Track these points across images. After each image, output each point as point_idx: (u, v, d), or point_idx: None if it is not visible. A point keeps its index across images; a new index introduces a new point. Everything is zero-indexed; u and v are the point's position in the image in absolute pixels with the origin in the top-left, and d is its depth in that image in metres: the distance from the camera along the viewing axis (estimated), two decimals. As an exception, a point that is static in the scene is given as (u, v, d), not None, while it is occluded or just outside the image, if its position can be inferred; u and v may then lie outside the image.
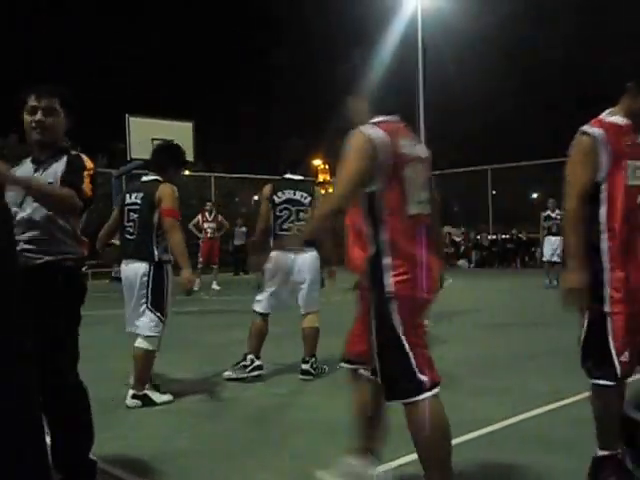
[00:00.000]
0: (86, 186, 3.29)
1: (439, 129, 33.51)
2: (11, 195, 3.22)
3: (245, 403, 3.99)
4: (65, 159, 3.32)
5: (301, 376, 5.94)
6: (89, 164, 3.37)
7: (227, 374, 5.90)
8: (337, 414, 4.67)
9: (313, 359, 6.04)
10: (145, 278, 4.99)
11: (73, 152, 3.41)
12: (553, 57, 44.03)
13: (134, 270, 5.04)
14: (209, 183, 25.77)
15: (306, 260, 5.96)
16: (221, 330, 9.15)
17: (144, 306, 5.04)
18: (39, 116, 3.28)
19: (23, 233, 3.25)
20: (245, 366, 5.92)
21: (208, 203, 16.68)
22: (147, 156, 15.01)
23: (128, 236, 5.19)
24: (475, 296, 13.98)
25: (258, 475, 3.64)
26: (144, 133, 18.31)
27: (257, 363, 5.95)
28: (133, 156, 16.33)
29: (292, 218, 5.91)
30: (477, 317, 9.92)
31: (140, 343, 5.06)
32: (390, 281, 2.82)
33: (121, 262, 5.19)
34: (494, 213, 24.78)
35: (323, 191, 5.89)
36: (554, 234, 14.67)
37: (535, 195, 34.15)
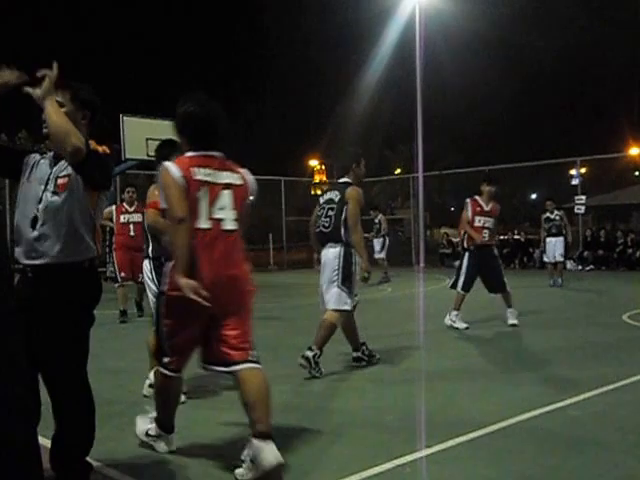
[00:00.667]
0: (98, 147, 3.31)
1: (437, 130, 33.47)
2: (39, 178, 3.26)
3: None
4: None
5: (300, 360, 6.08)
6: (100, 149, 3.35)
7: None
8: (336, 417, 4.73)
9: (318, 352, 6.13)
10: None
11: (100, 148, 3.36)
12: (552, 58, 44.01)
13: (333, 253, 6.14)
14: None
15: (327, 258, 6.30)
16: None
17: (335, 283, 6.09)
18: None
19: (43, 225, 3.18)
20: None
21: None
22: (142, 156, 14.80)
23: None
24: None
25: None
26: (139, 133, 18.27)
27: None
28: (127, 156, 16.22)
29: (323, 215, 6.37)
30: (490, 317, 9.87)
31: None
32: (165, 280, 3.64)
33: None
34: (492, 214, 24.64)
35: (354, 192, 6.25)
36: (554, 235, 14.73)
37: (534, 196, 34.10)
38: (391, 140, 41.01)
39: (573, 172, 24.75)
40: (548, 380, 5.73)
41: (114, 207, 10.70)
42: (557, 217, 14.73)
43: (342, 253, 6.16)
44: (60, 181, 3.23)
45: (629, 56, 38.48)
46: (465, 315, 8.89)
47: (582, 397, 5.06)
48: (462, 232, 8.99)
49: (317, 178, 45.68)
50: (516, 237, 23.88)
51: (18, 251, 3.24)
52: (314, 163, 52.55)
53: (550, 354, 6.97)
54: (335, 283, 6.19)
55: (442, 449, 3.94)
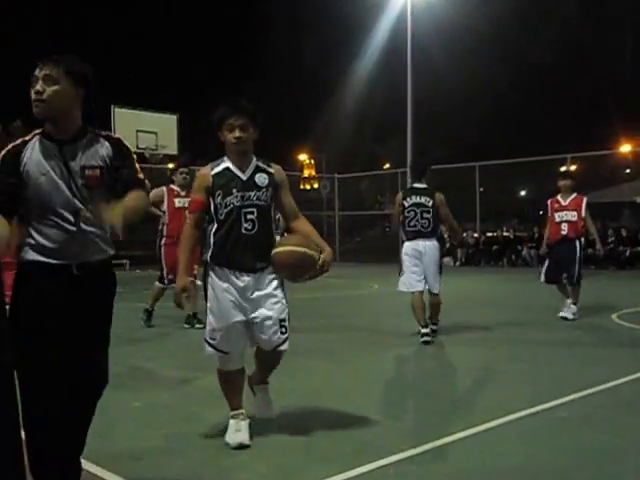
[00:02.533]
0: (143, 176, 3.17)
1: (427, 125, 33.38)
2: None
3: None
4: (107, 143, 3.06)
5: (426, 338, 7.39)
6: (130, 147, 3.19)
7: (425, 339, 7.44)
8: (321, 415, 4.66)
9: (434, 326, 7.90)
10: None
11: (103, 133, 3.12)
12: (544, 54, 43.99)
13: (435, 247, 7.71)
14: (193, 177, 25.46)
15: (430, 250, 7.71)
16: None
17: (439, 270, 7.82)
18: (38, 86, 2.90)
19: (83, 219, 2.97)
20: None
21: None
22: (132, 148, 14.53)
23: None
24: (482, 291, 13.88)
25: (238, 475, 3.57)
26: (129, 124, 18.15)
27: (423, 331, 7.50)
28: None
29: (419, 217, 7.69)
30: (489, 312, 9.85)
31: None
32: None
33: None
34: (481, 210, 24.65)
35: (442, 197, 7.81)
36: None
37: (523, 193, 34.11)
38: (380, 135, 40.90)
39: (563, 169, 24.75)
40: (535, 381, 5.68)
41: (164, 189, 8.99)
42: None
43: (439, 246, 7.75)
44: (89, 172, 2.99)
45: (622, 52, 38.52)
46: (449, 315, 8.78)
47: (570, 398, 4.99)
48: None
49: (306, 172, 45.56)
50: (505, 234, 23.84)
51: (50, 249, 2.96)
52: (303, 157, 52.39)
53: (537, 354, 6.94)
54: (439, 270, 7.86)
55: (427, 449, 3.89)
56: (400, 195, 7.98)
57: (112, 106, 17.03)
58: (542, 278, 9.68)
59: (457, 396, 5.31)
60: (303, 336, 7.82)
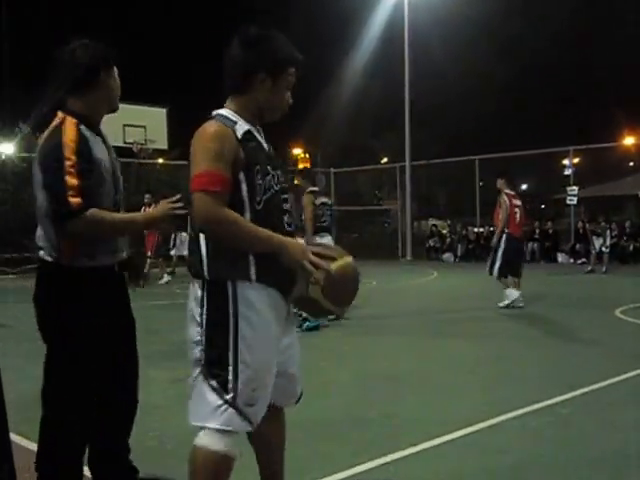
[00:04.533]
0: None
1: (426, 118, 32.85)
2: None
3: None
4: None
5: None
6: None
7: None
8: (327, 414, 4.68)
9: None
10: None
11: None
12: (544, 45, 43.54)
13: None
14: (184, 172, 24.99)
15: None
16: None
17: None
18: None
19: None
20: None
21: (147, 195, 14.88)
22: (119, 142, 14.25)
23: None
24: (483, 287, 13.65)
25: (237, 475, 3.25)
26: (116, 119, 17.59)
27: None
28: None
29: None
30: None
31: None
32: None
33: None
34: (481, 205, 24.19)
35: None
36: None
37: (524, 187, 33.61)
38: (377, 128, 40.39)
39: (566, 162, 24.36)
40: (537, 377, 5.70)
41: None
42: None
43: None
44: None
45: (625, 44, 38.04)
46: (451, 309, 8.60)
47: (572, 395, 5.00)
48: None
49: (301, 166, 45.05)
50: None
51: (107, 249, 2.95)
52: (298, 151, 51.89)
53: (540, 350, 6.94)
54: None
55: (428, 447, 3.90)
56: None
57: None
58: (496, 273, 10.12)
59: (458, 393, 5.26)
60: (298, 335, 7.60)
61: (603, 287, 13.59)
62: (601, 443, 3.96)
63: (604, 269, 16.34)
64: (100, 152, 2.90)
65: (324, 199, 9.11)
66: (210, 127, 2.56)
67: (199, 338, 2.55)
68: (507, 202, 10.26)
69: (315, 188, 9.00)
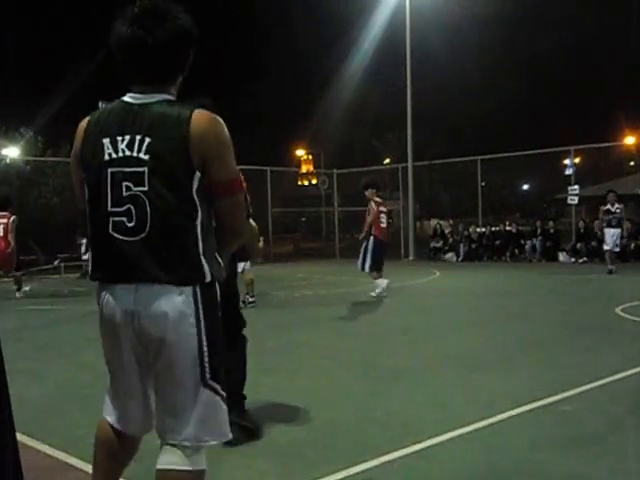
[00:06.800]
0: None
1: (428, 118, 32.93)
2: None
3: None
4: None
5: None
6: None
7: None
8: (331, 412, 4.72)
9: None
10: None
11: None
12: (546, 45, 43.56)
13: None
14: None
15: None
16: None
17: None
18: None
19: None
20: None
21: None
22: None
23: None
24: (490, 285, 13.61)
25: (240, 473, 3.57)
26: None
27: None
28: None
29: None
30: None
31: None
32: None
33: None
34: (483, 205, 24.27)
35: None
36: (614, 226, 15.73)
37: (525, 186, 33.63)
38: (379, 129, 40.45)
39: (567, 162, 24.39)
40: (540, 374, 5.71)
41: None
42: (618, 210, 15.74)
43: None
44: None
45: (626, 43, 38.08)
46: (454, 309, 8.61)
47: (574, 392, 5.03)
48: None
49: (304, 168, 45.19)
50: (508, 228, 23.44)
51: None
52: (301, 153, 51.97)
53: (541, 348, 6.94)
54: None
55: (431, 445, 3.92)
56: None
57: (100, 102, 16.66)
58: (367, 269, 11.65)
59: (460, 391, 5.28)
60: (303, 334, 8.05)
61: (604, 285, 13.58)
62: (603, 440, 3.98)
63: (612, 268, 15.52)
64: None
65: None
66: (221, 122, 2.47)
67: (196, 354, 2.38)
68: (374, 209, 11.69)
69: None
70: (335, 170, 27.96)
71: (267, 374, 5.81)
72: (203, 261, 2.37)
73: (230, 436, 2.51)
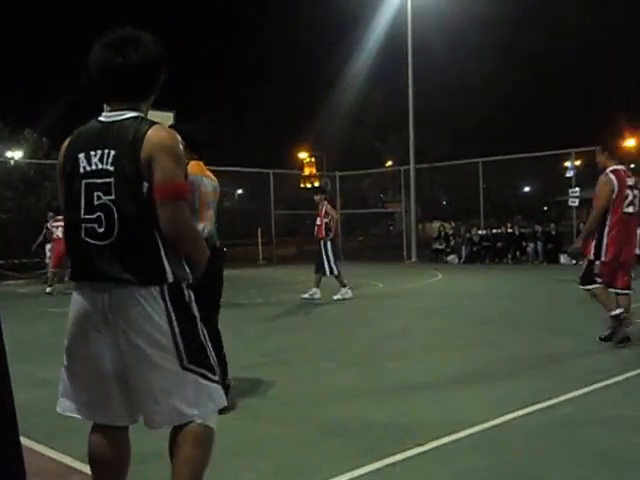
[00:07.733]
0: None
1: (429, 121, 32.99)
2: None
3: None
4: None
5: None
6: None
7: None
8: (335, 414, 4.72)
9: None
10: None
11: None
12: (547, 48, 43.61)
13: None
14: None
15: None
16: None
17: None
18: None
19: None
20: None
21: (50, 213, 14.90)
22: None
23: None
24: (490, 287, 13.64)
25: (244, 475, 3.56)
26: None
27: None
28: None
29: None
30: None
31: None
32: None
33: None
34: (485, 207, 24.29)
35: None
36: None
37: (527, 189, 33.65)
38: (382, 132, 40.50)
39: (568, 164, 24.40)
40: (541, 377, 5.71)
41: None
42: None
43: None
44: None
45: (626, 46, 38.11)
46: (453, 308, 8.57)
47: (575, 394, 5.02)
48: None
49: (307, 171, 45.26)
50: (509, 231, 23.47)
51: None
52: (303, 155, 52.07)
53: (543, 350, 6.95)
54: None
55: (434, 447, 3.92)
56: None
57: (104, 105, 16.71)
58: (335, 272, 11.90)
59: (463, 393, 5.27)
60: (307, 337, 8.05)
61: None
62: (603, 442, 3.99)
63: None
64: None
65: None
66: (175, 136, 2.65)
67: (165, 342, 2.59)
68: (333, 212, 12.32)
69: None
70: (337, 172, 28.02)
71: (269, 375, 5.83)
72: (165, 263, 2.60)
73: (225, 402, 2.80)
